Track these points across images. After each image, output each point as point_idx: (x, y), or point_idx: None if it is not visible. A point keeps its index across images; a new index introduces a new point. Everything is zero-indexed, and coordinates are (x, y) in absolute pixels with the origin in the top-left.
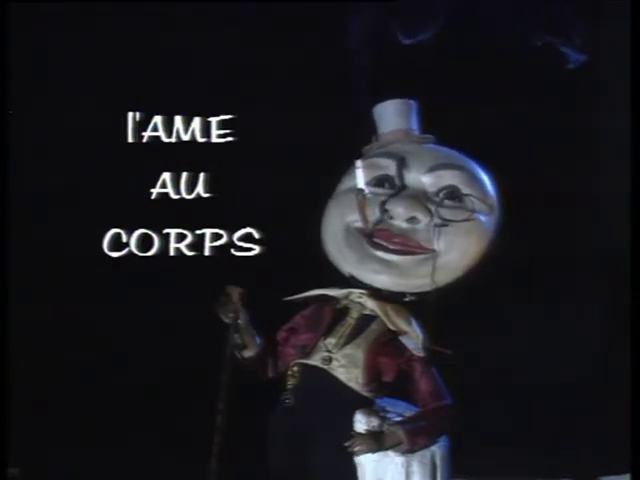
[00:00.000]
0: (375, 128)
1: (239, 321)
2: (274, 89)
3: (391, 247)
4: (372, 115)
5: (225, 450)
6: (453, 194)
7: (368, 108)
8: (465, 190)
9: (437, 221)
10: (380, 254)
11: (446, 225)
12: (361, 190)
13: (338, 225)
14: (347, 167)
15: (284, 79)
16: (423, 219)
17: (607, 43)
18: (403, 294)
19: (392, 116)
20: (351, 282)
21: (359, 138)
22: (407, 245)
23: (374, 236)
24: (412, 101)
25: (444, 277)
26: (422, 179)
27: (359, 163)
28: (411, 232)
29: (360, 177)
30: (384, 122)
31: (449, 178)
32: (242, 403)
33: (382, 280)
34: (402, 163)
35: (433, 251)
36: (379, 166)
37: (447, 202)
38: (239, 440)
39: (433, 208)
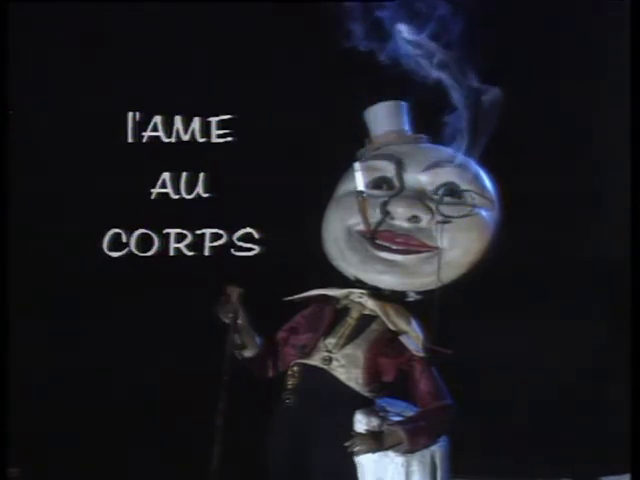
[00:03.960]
0: (367, 131)
1: (238, 321)
2: (274, 89)
3: (394, 247)
4: (363, 118)
5: (225, 450)
6: (452, 190)
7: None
8: (464, 186)
9: (438, 218)
10: (384, 255)
11: (448, 222)
12: (361, 192)
13: (339, 229)
14: (346, 168)
15: (284, 79)
16: (424, 217)
17: (607, 41)
18: (404, 294)
19: (384, 118)
20: (356, 284)
21: (358, 139)
22: (410, 244)
23: (376, 237)
24: (403, 102)
25: (449, 274)
26: (420, 178)
27: (357, 166)
28: (413, 231)
29: (359, 180)
30: (376, 124)
31: (446, 175)
32: (242, 403)
33: (387, 280)
34: (399, 164)
35: (437, 248)
36: (376, 168)
37: (447, 199)
38: (239, 440)
39: (433, 206)
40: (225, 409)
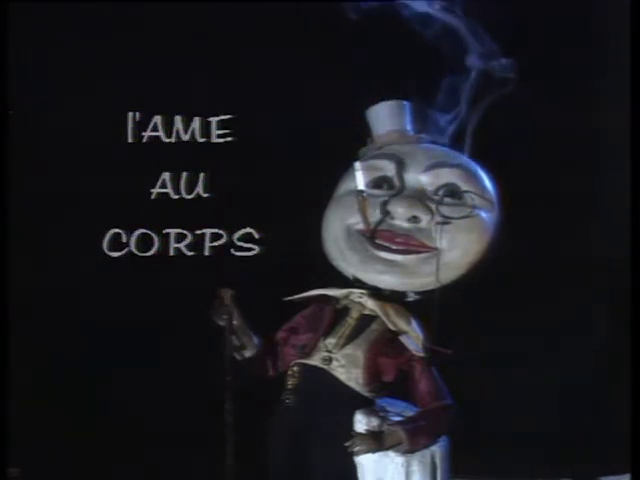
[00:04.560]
0: (369, 130)
1: (234, 322)
2: (274, 89)
3: (394, 247)
4: (366, 117)
5: (224, 450)
6: (452, 191)
7: (367, 107)
8: (464, 187)
9: (438, 219)
10: (383, 255)
11: (448, 223)
12: (361, 192)
13: (339, 228)
14: (346, 168)
15: (284, 79)
16: (424, 218)
17: (606, 41)
18: (404, 294)
19: (386, 117)
20: (355, 284)
21: (359, 138)
22: (410, 244)
23: (376, 237)
24: (405, 102)
25: (448, 275)
26: (420, 178)
27: (358, 165)
28: (413, 231)
29: (359, 179)
30: (378, 124)
31: (447, 176)
32: (242, 403)
33: (386, 280)
34: (400, 164)
35: (436, 249)
36: (377, 168)
37: (447, 200)
38: (238, 440)
39: (433, 206)
40: (232, 408)
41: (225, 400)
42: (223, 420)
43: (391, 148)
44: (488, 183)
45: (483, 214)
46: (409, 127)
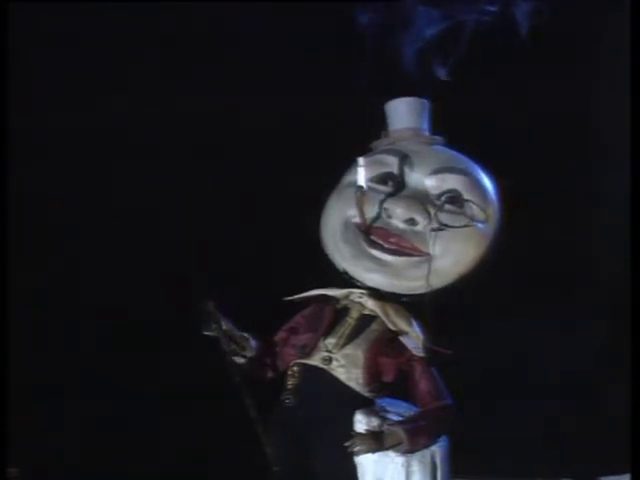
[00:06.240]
0: (385, 124)
1: (224, 328)
2: (274, 87)
3: (386, 246)
4: (384, 111)
5: (224, 450)
6: (454, 199)
7: (375, 104)
8: (466, 195)
9: (434, 225)
10: (376, 252)
11: (443, 230)
12: (360, 187)
13: (337, 219)
14: (353, 161)
15: (284, 77)
16: (421, 221)
17: (606, 42)
18: (398, 294)
19: (404, 114)
20: (344, 277)
21: (367, 134)
22: (402, 245)
23: (371, 233)
24: (425, 100)
25: (436, 282)
26: (425, 181)
27: (361, 160)
28: (408, 233)
29: (361, 174)
30: (395, 119)
31: (452, 182)
32: (241, 403)
33: (375, 279)
34: (406, 162)
35: (427, 254)
36: (384, 163)
37: (448, 207)
38: (238, 440)
39: (433, 211)
40: (253, 403)
41: (243, 397)
42: (249, 416)
43: (402, 145)
44: (492, 195)
45: (480, 225)
46: (425, 126)
